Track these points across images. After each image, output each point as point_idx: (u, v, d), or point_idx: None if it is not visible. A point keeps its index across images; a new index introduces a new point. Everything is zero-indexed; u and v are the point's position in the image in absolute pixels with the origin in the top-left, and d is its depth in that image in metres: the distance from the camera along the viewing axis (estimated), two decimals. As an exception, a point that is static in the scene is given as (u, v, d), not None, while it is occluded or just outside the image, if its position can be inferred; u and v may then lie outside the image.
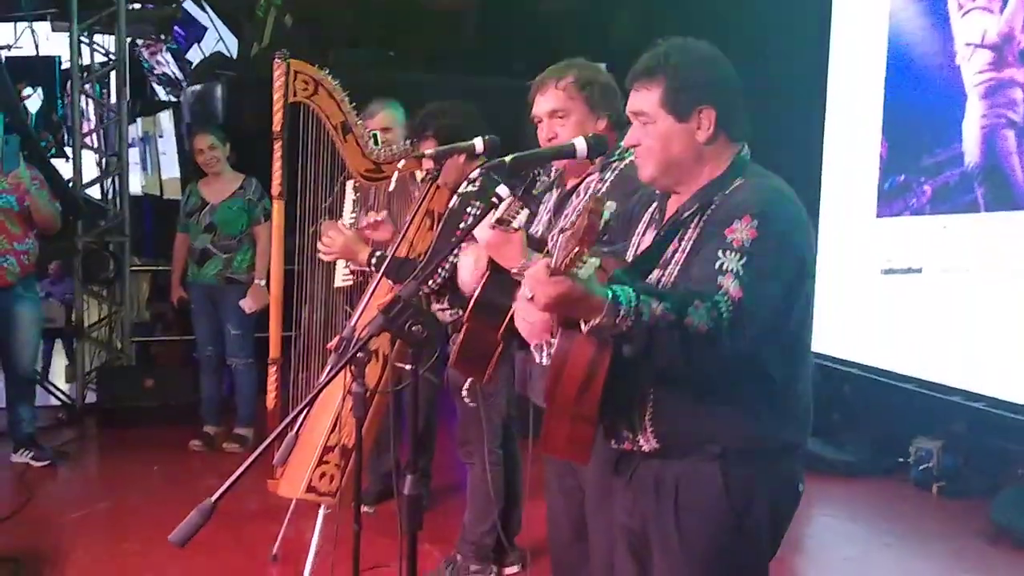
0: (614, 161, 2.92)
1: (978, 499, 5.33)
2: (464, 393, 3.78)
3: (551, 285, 1.85)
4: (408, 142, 4.08)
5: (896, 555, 4.75)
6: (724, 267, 2.02)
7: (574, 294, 1.85)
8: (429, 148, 3.77)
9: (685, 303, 1.94)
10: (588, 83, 2.95)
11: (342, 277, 4.48)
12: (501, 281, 3.00)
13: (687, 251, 2.15)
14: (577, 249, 1.81)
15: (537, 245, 2.66)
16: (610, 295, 1.89)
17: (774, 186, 2.19)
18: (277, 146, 4.02)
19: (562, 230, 1.92)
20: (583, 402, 2.08)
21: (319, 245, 4.03)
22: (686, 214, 2.19)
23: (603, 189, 2.92)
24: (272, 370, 4.14)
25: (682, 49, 2.23)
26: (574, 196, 3.02)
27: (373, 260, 3.91)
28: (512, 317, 2.38)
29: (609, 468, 2.37)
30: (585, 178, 3.00)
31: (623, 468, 2.33)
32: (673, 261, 2.17)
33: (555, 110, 2.95)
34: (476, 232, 2.61)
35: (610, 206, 1.88)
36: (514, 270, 2.59)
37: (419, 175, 4.23)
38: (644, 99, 2.21)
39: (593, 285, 1.87)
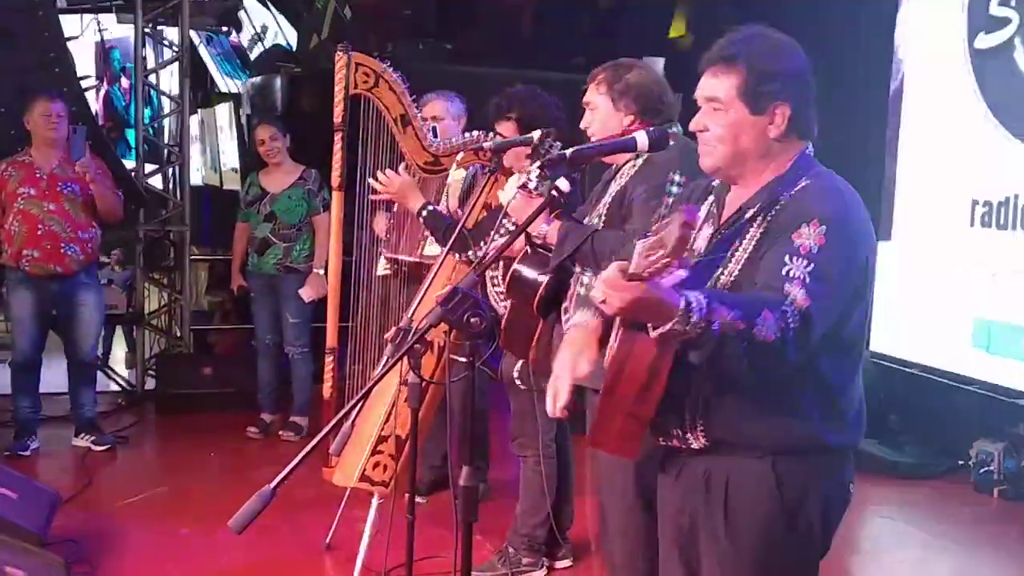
0: None
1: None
2: (515, 375, 3.78)
3: (627, 290, 1.84)
4: (470, 133, 4.09)
5: (954, 559, 4.68)
6: (791, 273, 1.99)
7: (649, 300, 1.84)
8: (507, 129, 3.81)
9: (755, 311, 1.92)
10: (615, 81, 3.16)
11: (382, 267, 4.52)
12: (539, 258, 3.06)
13: (749, 250, 2.12)
14: (668, 261, 1.77)
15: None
16: (683, 303, 1.86)
17: (840, 189, 2.15)
18: (337, 137, 4.05)
19: (642, 236, 1.89)
20: (642, 403, 2.06)
21: (375, 184, 4.07)
22: (749, 212, 2.15)
23: (632, 173, 3.10)
24: (329, 359, 4.17)
25: (764, 38, 2.19)
26: (613, 182, 3.18)
27: (424, 212, 3.95)
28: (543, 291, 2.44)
29: (655, 466, 2.37)
30: (626, 162, 3.15)
31: (670, 466, 2.32)
32: (735, 259, 2.14)
33: (588, 102, 3.22)
34: (501, 196, 2.77)
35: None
36: (534, 234, 2.71)
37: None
38: (719, 85, 2.15)
39: (667, 292, 1.85)
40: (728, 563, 2.21)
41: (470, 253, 3.83)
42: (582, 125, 3.25)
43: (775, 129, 2.15)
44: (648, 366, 2.02)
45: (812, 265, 1.99)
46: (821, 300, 1.98)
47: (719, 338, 1.89)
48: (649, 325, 1.93)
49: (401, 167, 4.19)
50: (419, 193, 4.03)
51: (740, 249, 2.14)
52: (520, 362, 3.63)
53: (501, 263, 3.47)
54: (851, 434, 2.22)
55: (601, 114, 3.19)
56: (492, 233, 3.31)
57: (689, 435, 2.19)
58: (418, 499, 4.45)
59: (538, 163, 2.56)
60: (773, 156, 2.18)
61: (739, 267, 2.12)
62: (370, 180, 4.07)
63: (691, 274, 2.01)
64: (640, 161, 3.09)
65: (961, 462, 5.68)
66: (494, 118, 3.98)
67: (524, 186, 2.72)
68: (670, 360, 2.02)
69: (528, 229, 2.91)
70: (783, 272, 2.00)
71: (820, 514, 2.20)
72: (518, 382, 3.81)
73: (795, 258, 2.00)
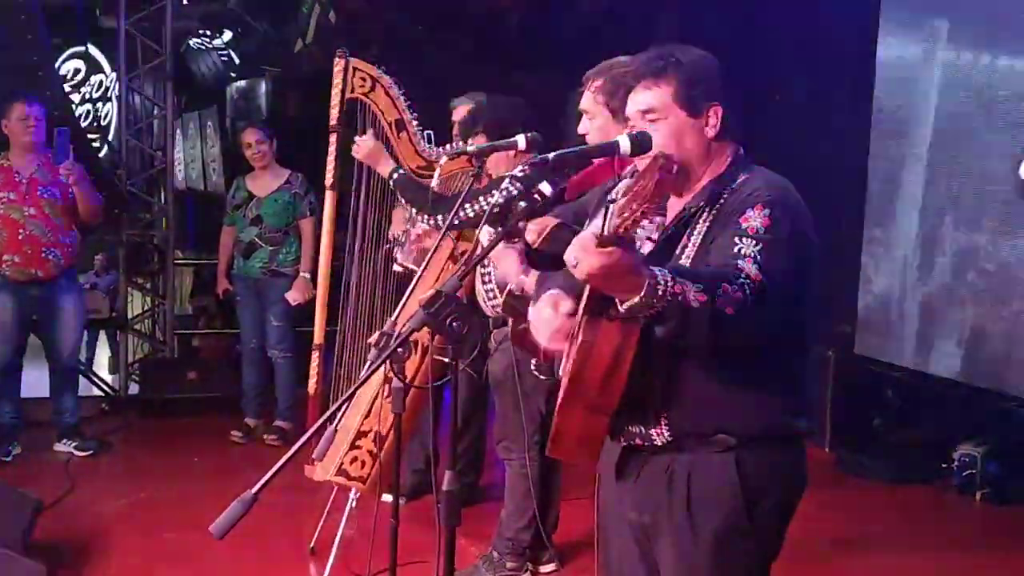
0: None
1: (1022, 506, 5.26)
2: (533, 369, 3.78)
3: (598, 255, 1.85)
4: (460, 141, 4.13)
5: (937, 562, 4.69)
6: (742, 252, 2.08)
7: (621, 266, 1.86)
8: (480, 143, 3.82)
9: (716, 283, 1.98)
10: (612, 93, 2.97)
11: (396, 266, 4.53)
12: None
13: (697, 245, 2.19)
14: (645, 208, 1.78)
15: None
16: (649, 273, 1.90)
17: (778, 178, 2.26)
18: (333, 139, 4.11)
19: (611, 200, 1.89)
20: (606, 391, 2.10)
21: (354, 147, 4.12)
22: (693, 210, 2.23)
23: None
24: (315, 356, 4.18)
25: (684, 50, 2.29)
26: (610, 193, 3.06)
27: (395, 175, 3.99)
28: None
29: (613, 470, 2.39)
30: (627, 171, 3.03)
31: (629, 468, 2.35)
32: (685, 254, 2.20)
33: (585, 110, 3.09)
34: (482, 236, 2.71)
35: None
36: (512, 286, 2.69)
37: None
38: (654, 96, 2.24)
39: (637, 261, 1.88)
40: (689, 558, 2.25)
41: (439, 219, 3.88)
42: (580, 131, 3.15)
43: (712, 129, 2.25)
44: (612, 353, 2.06)
45: (760, 244, 2.09)
46: (772, 275, 2.06)
47: (686, 311, 1.93)
48: (616, 299, 1.96)
49: (368, 132, 4.23)
50: (388, 158, 4.12)
51: (689, 245, 2.21)
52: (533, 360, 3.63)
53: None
54: (807, 419, 2.30)
55: (599, 124, 3.09)
56: (476, 237, 3.30)
57: (652, 431, 2.23)
58: (387, 498, 4.47)
59: (522, 165, 2.55)
60: (711, 157, 2.27)
61: (690, 260, 2.18)
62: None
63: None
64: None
65: (944, 466, 5.69)
66: (465, 137, 4.04)
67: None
68: (634, 346, 2.06)
69: (507, 281, 2.89)
70: (735, 251, 2.08)
71: (779, 507, 2.28)
72: (536, 373, 3.82)
73: (744, 239, 2.10)
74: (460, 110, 4.69)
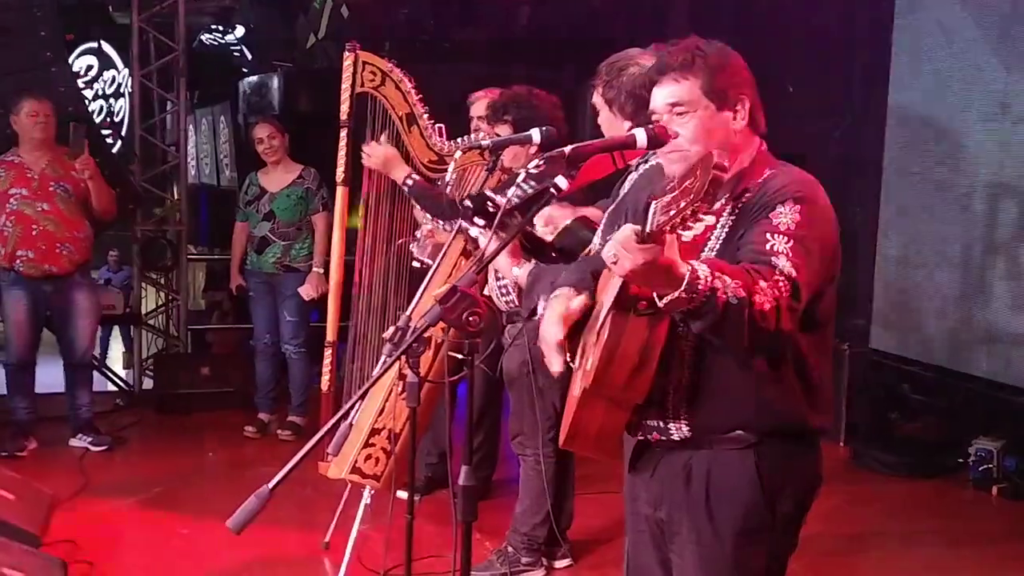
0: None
1: (1039, 501, 5.24)
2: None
3: (639, 252, 1.83)
4: (476, 134, 4.11)
5: (953, 557, 4.67)
6: (775, 248, 2.06)
7: (660, 264, 1.84)
8: (505, 132, 3.81)
9: (752, 280, 1.96)
10: (609, 84, 3.03)
11: (414, 260, 4.53)
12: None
13: (722, 238, 2.18)
14: (696, 207, 1.75)
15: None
16: (689, 268, 1.88)
17: (805, 175, 2.24)
18: (343, 133, 4.09)
19: (654, 197, 1.86)
20: (633, 386, 2.09)
21: (362, 154, 4.10)
22: (716, 205, 2.19)
23: (634, 178, 2.93)
24: (328, 352, 4.18)
25: (708, 43, 2.27)
26: (620, 187, 3.05)
27: (409, 182, 3.97)
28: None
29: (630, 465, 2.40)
30: (637, 166, 3.02)
31: (644, 463, 2.35)
32: (708, 249, 2.18)
33: (592, 104, 3.10)
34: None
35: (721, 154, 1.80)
36: (507, 280, 2.66)
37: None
38: (681, 89, 2.21)
39: (677, 257, 1.86)
40: (708, 554, 2.25)
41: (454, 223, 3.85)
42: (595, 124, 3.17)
43: (739, 122, 2.24)
44: (640, 348, 2.06)
45: (792, 241, 2.07)
46: (804, 272, 2.05)
47: (723, 307, 1.91)
48: (655, 294, 1.93)
49: (382, 137, 4.21)
50: (403, 163, 4.08)
51: (713, 238, 2.19)
52: None
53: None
54: (826, 417, 2.29)
55: (603, 118, 3.11)
56: (491, 232, 3.29)
57: (671, 425, 2.22)
58: (401, 494, 4.47)
59: (537, 159, 2.52)
60: (738, 151, 2.25)
61: (714, 254, 2.16)
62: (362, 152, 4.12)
63: None
64: (644, 166, 2.92)
65: (960, 460, 5.66)
66: (491, 121, 3.99)
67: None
68: (662, 342, 2.06)
69: (502, 274, 2.89)
70: (767, 247, 2.06)
71: (797, 504, 2.27)
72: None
73: (775, 235, 2.08)
74: (478, 105, 4.66)
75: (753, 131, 2.27)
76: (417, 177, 4.09)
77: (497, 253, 2.67)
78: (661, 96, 2.24)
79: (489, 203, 3.02)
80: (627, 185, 2.94)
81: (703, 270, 1.89)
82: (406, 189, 4.08)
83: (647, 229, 1.82)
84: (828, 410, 2.29)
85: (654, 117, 2.26)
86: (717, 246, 2.17)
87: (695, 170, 1.77)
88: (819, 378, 2.24)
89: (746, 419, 2.19)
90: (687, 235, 1.82)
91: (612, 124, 3.07)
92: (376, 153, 4.10)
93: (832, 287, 2.23)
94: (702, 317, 1.94)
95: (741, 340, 1.97)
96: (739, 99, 2.23)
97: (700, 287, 1.88)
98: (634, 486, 2.41)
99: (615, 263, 1.88)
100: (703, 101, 2.20)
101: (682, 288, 1.87)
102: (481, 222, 2.98)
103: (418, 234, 4.46)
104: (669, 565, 2.36)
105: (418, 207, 4.40)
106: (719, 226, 2.19)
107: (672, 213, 1.77)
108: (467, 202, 3.09)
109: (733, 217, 2.18)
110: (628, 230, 1.84)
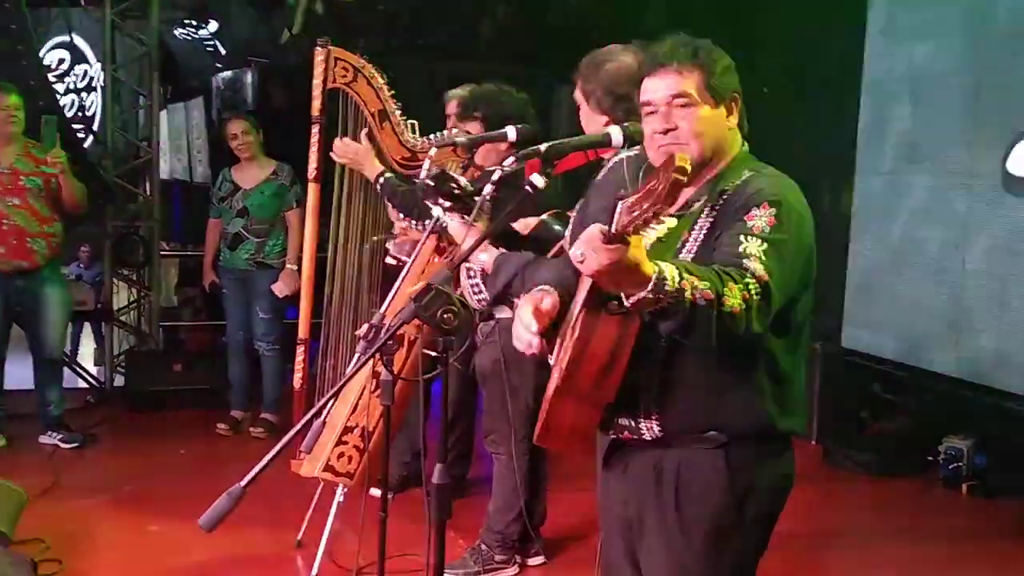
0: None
1: (1008, 499, 5.29)
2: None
3: (605, 252, 1.83)
4: (448, 131, 4.09)
5: (924, 554, 4.71)
6: (747, 251, 2.06)
7: (627, 263, 1.84)
8: (475, 128, 3.79)
9: (722, 282, 1.96)
10: (586, 79, 3.04)
11: (389, 257, 4.51)
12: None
13: (700, 239, 2.18)
14: (657, 209, 1.76)
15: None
16: (656, 269, 1.88)
17: (784, 178, 2.25)
18: (315, 130, 4.06)
19: (620, 197, 1.86)
20: (603, 384, 2.10)
21: (334, 149, 4.05)
22: (695, 205, 2.22)
23: (598, 178, 2.94)
24: (300, 350, 4.16)
25: (702, 40, 2.28)
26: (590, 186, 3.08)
27: (381, 180, 3.95)
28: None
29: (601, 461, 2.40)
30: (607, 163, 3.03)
31: (616, 460, 2.36)
32: (686, 249, 2.18)
33: (575, 99, 3.10)
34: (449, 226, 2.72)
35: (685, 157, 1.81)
36: (473, 264, 2.68)
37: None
38: (686, 81, 2.21)
39: (644, 257, 1.86)
40: (677, 554, 2.25)
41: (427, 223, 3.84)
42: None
43: (732, 120, 2.26)
44: (610, 347, 2.06)
45: (765, 244, 2.07)
46: (776, 276, 2.05)
47: (691, 308, 1.91)
48: (622, 294, 1.94)
49: (362, 134, 4.18)
50: (375, 161, 4.06)
51: (691, 240, 2.19)
52: None
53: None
54: (798, 420, 2.29)
55: (583, 113, 3.11)
56: (464, 232, 3.28)
57: (642, 425, 2.22)
58: (374, 491, 4.46)
59: (512, 157, 2.52)
60: (725, 150, 2.27)
61: (691, 255, 2.16)
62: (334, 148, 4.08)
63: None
64: (610, 163, 2.92)
65: (930, 458, 5.71)
66: (460, 118, 3.99)
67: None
68: (632, 340, 2.07)
69: (467, 258, 2.88)
70: (740, 250, 2.07)
71: (767, 506, 2.28)
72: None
73: (749, 237, 2.08)
74: (453, 103, 4.65)
75: (739, 130, 2.30)
76: (390, 175, 4.07)
77: (473, 250, 2.66)
78: (661, 87, 2.23)
79: (453, 184, 3.00)
80: (599, 180, 2.94)
81: (671, 271, 1.89)
82: (378, 187, 4.06)
83: (612, 229, 1.82)
84: (800, 413, 2.29)
85: (648, 109, 2.25)
86: (695, 247, 2.17)
87: (659, 172, 1.78)
88: (791, 381, 2.25)
89: (716, 420, 2.19)
90: (651, 236, 1.83)
91: (590, 119, 3.08)
92: (347, 150, 4.07)
93: (808, 292, 2.24)
94: (670, 317, 1.94)
95: (709, 341, 1.97)
96: (733, 98, 2.25)
97: (667, 287, 1.88)
98: (607, 483, 2.42)
99: (582, 262, 1.89)
100: (704, 95, 2.22)
101: (649, 288, 1.87)
102: (446, 204, 2.97)
103: (395, 230, 4.45)
104: (636, 559, 2.37)
105: (391, 206, 4.39)
106: (698, 227, 2.19)
107: (635, 214, 1.78)
108: (428, 181, 3.07)
109: (711, 220, 2.18)
110: (595, 229, 1.85)
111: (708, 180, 2.24)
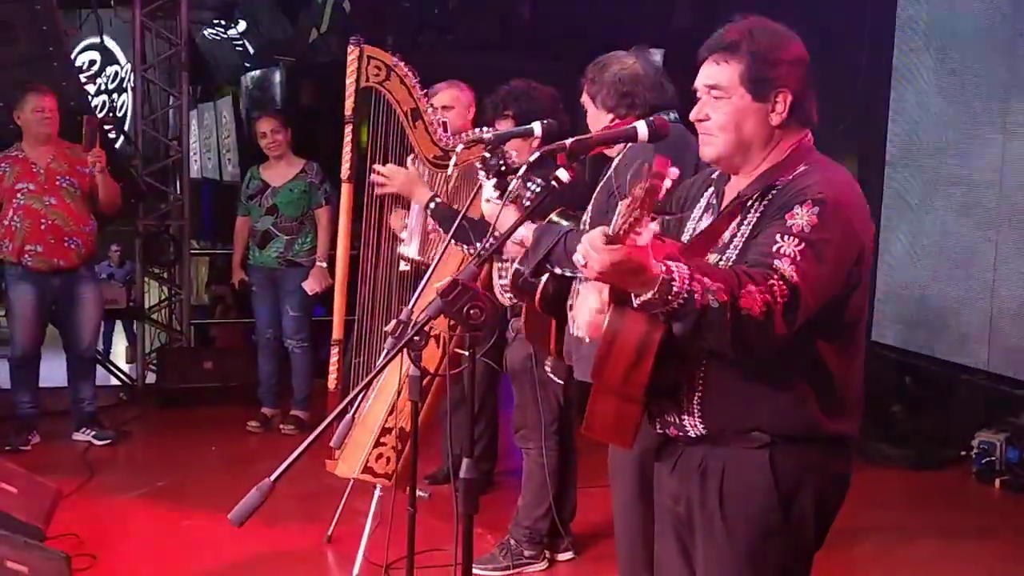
0: None
1: (1042, 494, 5.24)
2: (548, 370, 3.80)
3: (606, 252, 1.81)
4: (481, 128, 4.06)
5: (955, 550, 4.67)
6: (781, 250, 1.99)
7: (629, 264, 1.82)
8: (507, 127, 3.79)
9: (739, 284, 1.91)
10: (592, 81, 3.22)
11: (402, 265, 4.50)
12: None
13: (746, 236, 2.12)
14: (638, 214, 1.76)
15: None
16: (664, 270, 1.85)
17: (837, 173, 2.16)
18: (348, 130, 4.03)
19: (620, 197, 1.86)
20: (631, 382, 2.07)
21: (376, 178, 4.02)
22: (747, 199, 2.15)
23: (616, 164, 3.09)
24: (334, 351, 4.16)
25: (764, 27, 2.18)
26: (605, 173, 3.18)
27: (431, 205, 3.91)
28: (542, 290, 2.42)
29: (652, 455, 2.37)
30: (617, 154, 3.16)
31: (667, 455, 2.32)
32: (732, 246, 2.13)
33: (583, 102, 3.24)
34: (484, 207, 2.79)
35: (672, 172, 1.80)
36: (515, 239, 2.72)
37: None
38: (721, 72, 2.15)
39: (648, 258, 1.83)
40: (722, 553, 2.21)
41: (478, 245, 3.80)
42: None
43: (777, 116, 2.15)
44: (636, 344, 2.03)
45: (803, 244, 1.99)
46: (811, 279, 1.98)
47: (702, 311, 1.87)
48: (632, 295, 1.91)
49: (409, 159, 4.17)
50: (425, 186, 4.00)
51: (737, 235, 2.14)
52: (549, 357, 3.64)
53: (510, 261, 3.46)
54: (849, 423, 2.21)
55: (589, 114, 3.24)
56: (491, 228, 3.28)
57: (687, 422, 2.19)
58: (420, 493, 4.47)
59: (538, 152, 2.52)
60: (774, 144, 2.17)
61: (736, 252, 2.11)
62: (372, 176, 4.05)
63: (685, 255, 1.99)
64: (625, 151, 3.07)
65: (963, 453, 5.66)
66: (492, 117, 3.99)
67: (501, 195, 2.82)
68: (659, 337, 2.02)
69: (499, 251, 2.91)
70: (773, 249, 1.99)
71: (815, 507, 2.20)
72: (552, 376, 3.83)
73: (787, 236, 2.00)
74: (440, 96, 4.60)
75: (797, 124, 2.18)
76: (441, 199, 4.01)
77: (501, 244, 2.65)
78: (702, 75, 2.19)
79: (502, 162, 3.00)
80: (611, 169, 3.09)
81: (680, 271, 1.86)
82: (428, 212, 3.99)
83: (611, 230, 1.82)
84: (853, 415, 2.21)
85: (699, 95, 2.20)
86: (741, 243, 2.12)
87: (645, 176, 1.77)
88: (842, 382, 2.17)
89: (759, 420, 2.13)
90: (641, 239, 1.81)
91: (597, 118, 3.21)
92: (396, 176, 3.99)
93: (858, 292, 2.14)
94: (681, 319, 1.91)
95: (725, 343, 1.93)
96: (779, 91, 2.13)
97: (675, 289, 1.84)
98: (660, 480, 2.38)
99: (584, 266, 1.87)
100: (739, 89, 2.13)
101: (654, 289, 1.85)
102: (493, 180, 2.97)
103: (402, 235, 4.45)
104: (690, 558, 2.32)
105: (391, 217, 4.39)
106: (746, 222, 2.13)
107: (625, 217, 1.78)
108: (486, 153, 3.06)
109: (758, 215, 2.12)
110: (597, 231, 1.83)
111: (761, 174, 2.17)
